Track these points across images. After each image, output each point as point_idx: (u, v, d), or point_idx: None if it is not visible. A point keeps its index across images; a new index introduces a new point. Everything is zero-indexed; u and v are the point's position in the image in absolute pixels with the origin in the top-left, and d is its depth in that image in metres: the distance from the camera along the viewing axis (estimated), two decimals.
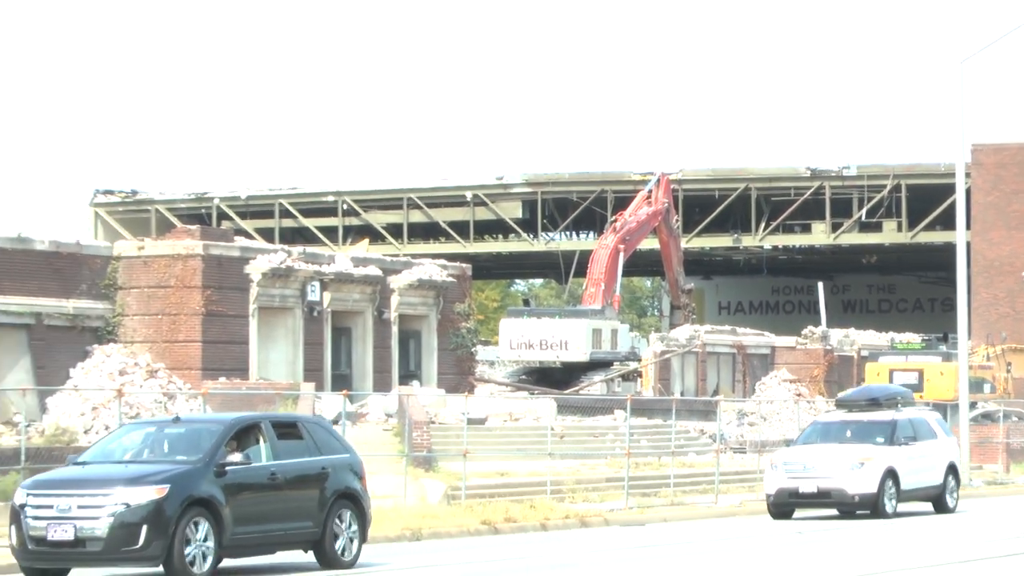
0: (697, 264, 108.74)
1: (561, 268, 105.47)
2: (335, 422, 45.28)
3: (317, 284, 70.38)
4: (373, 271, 73.62)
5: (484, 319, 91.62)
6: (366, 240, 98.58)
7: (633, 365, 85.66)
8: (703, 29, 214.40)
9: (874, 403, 49.31)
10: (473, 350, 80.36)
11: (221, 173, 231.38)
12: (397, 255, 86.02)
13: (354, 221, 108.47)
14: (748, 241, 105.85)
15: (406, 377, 73.81)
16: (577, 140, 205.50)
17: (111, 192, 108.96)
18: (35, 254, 64.55)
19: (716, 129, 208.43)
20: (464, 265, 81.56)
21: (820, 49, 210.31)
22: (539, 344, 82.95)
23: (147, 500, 28.18)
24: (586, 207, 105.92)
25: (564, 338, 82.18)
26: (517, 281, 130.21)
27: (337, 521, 30.61)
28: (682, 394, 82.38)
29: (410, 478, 51.39)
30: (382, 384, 71.58)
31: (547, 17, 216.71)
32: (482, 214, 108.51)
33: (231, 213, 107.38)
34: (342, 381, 69.55)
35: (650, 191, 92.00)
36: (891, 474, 45.41)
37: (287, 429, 31.37)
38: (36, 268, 64.31)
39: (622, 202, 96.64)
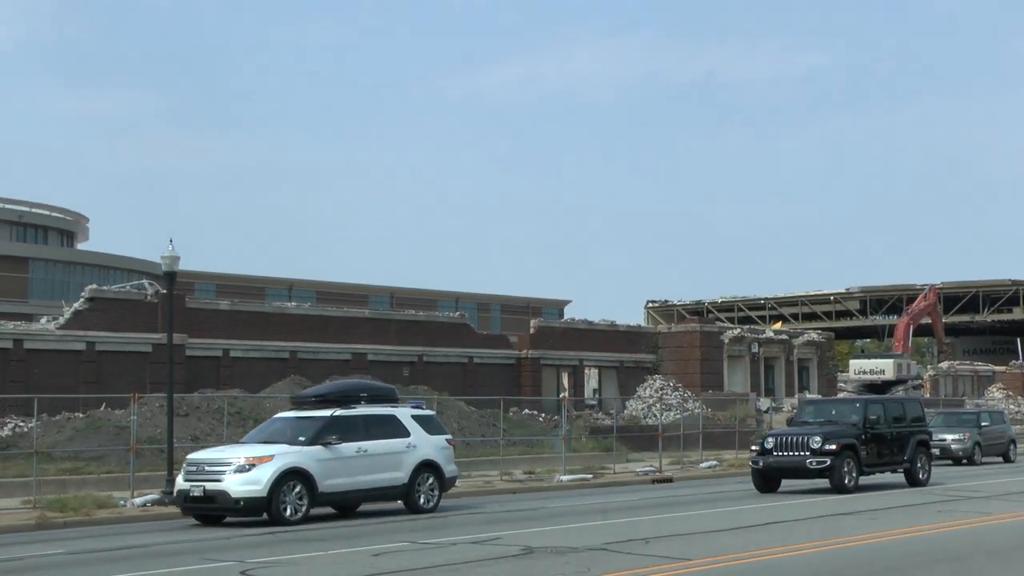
0: (951, 330, 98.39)
1: (880, 333, 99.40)
2: (765, 411, 41.62)
3: (756, 343, 66.40)
4: (784, 337, 69.53)
5: (840, 359, 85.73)
6: (780, 322, 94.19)
7: (918, 382, 77.98)
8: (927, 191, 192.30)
9: (322, 400, 23.17)
10: (836, 375, 74.99)
11: (707, 286, 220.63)
12: (796, 329, 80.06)
13: (773, 312, 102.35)
14: (979, 318, 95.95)
15: (801, 389, 68.98)
16: (884, 264, 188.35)
17: (655, 301, 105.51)
18: (619, 332, 62.50)
19: (965, 253, 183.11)
20: (830, 332, 76.28)
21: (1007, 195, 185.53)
22: (869, 371, 76.23)
23: None
24: (892, 302, 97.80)
25: (882, 368, 75.23)
26: (857, 340, 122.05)
27: None
28: (945, 396, 75.16)
29: None
30: (790, 392, 67.21)
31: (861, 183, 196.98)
32: (838, 307, 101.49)
33: (713, 309, 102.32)
34: (769, 391, 65.90)
35: (925, 294, 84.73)
36: (296, 474, 21.03)
37: None
38: (618, 338, 62.18)
39: (911, 299, 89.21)
